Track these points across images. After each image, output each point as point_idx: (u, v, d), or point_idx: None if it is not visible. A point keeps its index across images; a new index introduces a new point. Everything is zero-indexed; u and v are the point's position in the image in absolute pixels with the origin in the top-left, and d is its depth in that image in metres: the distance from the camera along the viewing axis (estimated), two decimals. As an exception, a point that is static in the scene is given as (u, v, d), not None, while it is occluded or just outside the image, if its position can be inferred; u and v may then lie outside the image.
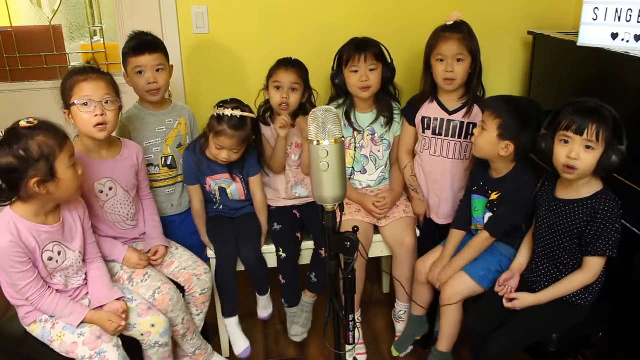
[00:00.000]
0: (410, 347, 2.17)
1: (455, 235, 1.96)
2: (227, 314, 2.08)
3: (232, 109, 1.91)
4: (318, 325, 2.25)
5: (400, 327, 2.19)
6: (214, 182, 2.07)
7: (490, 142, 1.76)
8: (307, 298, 2.17)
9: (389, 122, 2.18)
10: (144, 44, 1.96)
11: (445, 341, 1.94)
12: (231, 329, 2.10)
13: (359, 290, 2.10)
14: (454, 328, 1.90)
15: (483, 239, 1.86)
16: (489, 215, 1.88)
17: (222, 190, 2.09)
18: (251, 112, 1.98)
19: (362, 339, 2.19)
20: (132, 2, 2.36)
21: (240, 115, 1.91)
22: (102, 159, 1.79)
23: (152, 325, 1.67)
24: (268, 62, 2.14)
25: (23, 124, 1.45)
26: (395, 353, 2.17)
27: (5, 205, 1.48)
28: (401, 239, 2.07)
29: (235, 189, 2.09)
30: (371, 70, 2.07)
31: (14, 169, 1.41)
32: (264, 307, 2.16)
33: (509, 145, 1.75)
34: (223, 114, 1.90)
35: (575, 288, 1.62)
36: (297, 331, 2.16)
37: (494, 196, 1.86)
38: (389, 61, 2.13)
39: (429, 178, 2.16)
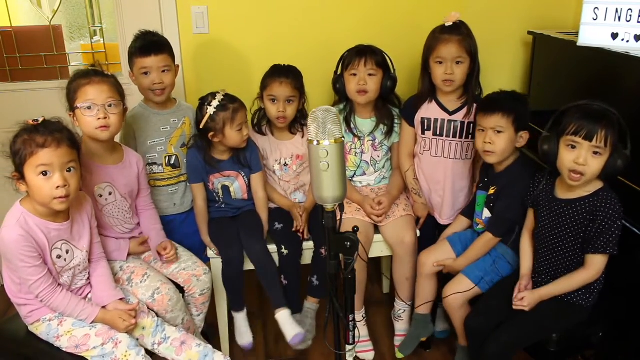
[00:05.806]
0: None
1: (460, 220, 2.03)
2: (236, 310, 2.06)
3: (218, 94, 1.96)
4: (318, 325, 2.24)
5: (399, 325, 2.18)
6: (217, 181, 2.07)
7: (510, 139, 1.80)
8: (310, 304, 2.14)
9: (390, 132, 2.18)
10: (150, 45, 1.96)
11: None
12: (239, 322, 2.07)
13: (362, 288, 2.10)
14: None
15: (487, 239, 1.87)
16: (486, 211, 1.90)
17: (225, 189, 2.09)
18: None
19: (369, 337, 2.18)
20: (132, 2, 2.36)
21: (226, 94, 1.97)
22: (104, 163, 1.80)
23: (143, 328, 1.68)
24: (268, 62, 2.14)
25: (29, 120, 1.48)
26: (399, 355, 2.14)
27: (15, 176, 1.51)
28: (401, 237, 2.06)
29: (238, 187, 2.09)
30: (370, 75, 2.06)
31: (12, 153, 1.48)
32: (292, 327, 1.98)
33: (524, 134, 1.80)
34: (214, 105, 1.94)
35: (576, 286, 1.62)
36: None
37: (491, 191, 1.88)
38: (392, 71, 2.12)
39: (430, 179, 2.16)
